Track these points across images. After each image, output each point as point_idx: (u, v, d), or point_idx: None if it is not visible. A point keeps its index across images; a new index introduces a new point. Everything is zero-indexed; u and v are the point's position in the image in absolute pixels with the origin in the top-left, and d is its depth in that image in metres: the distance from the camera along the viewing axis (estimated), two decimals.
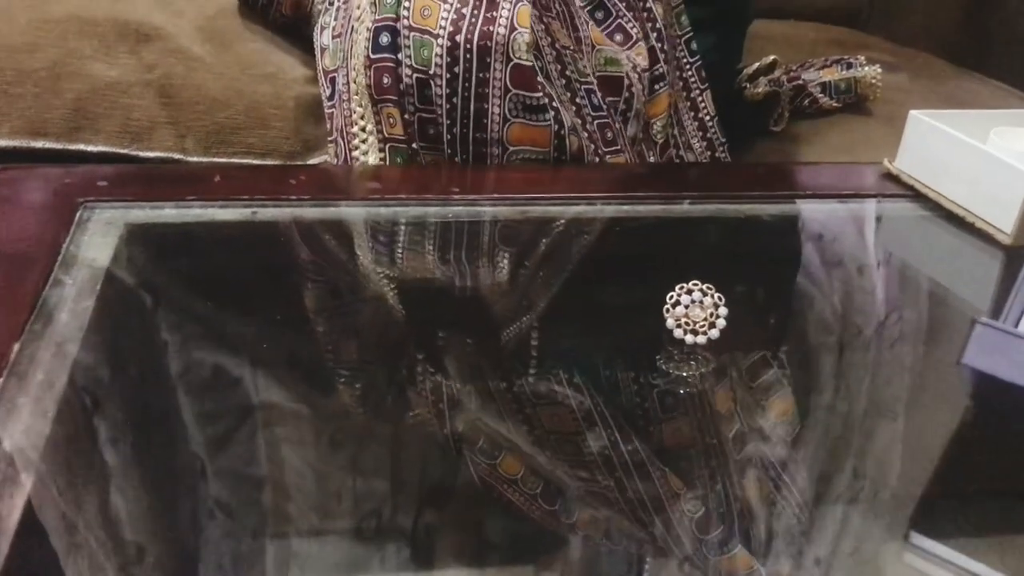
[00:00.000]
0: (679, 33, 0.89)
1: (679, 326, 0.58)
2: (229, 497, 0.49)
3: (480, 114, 0.73)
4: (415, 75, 0.72)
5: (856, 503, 0.52)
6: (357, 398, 0.55)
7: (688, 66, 0.89)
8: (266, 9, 0.98)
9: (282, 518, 0.48)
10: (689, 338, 0.58)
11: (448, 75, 0.72)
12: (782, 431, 0.56)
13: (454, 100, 0.73)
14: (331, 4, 0.83)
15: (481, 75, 0.72)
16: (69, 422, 0.49)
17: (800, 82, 1.06)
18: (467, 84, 0.73)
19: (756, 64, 1.04)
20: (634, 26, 0.83)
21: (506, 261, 0.68)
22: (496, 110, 0.73)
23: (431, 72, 0.71)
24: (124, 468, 0.49)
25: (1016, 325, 0.58)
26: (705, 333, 0.58)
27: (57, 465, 0.47)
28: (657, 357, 0.58)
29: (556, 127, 0.73)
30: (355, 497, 0.49)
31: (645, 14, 0.84)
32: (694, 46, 0.89)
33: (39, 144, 0.89)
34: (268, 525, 0.47)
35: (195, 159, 0.90)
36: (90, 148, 0.90)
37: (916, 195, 0.75)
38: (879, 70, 1.07)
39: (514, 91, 0.72)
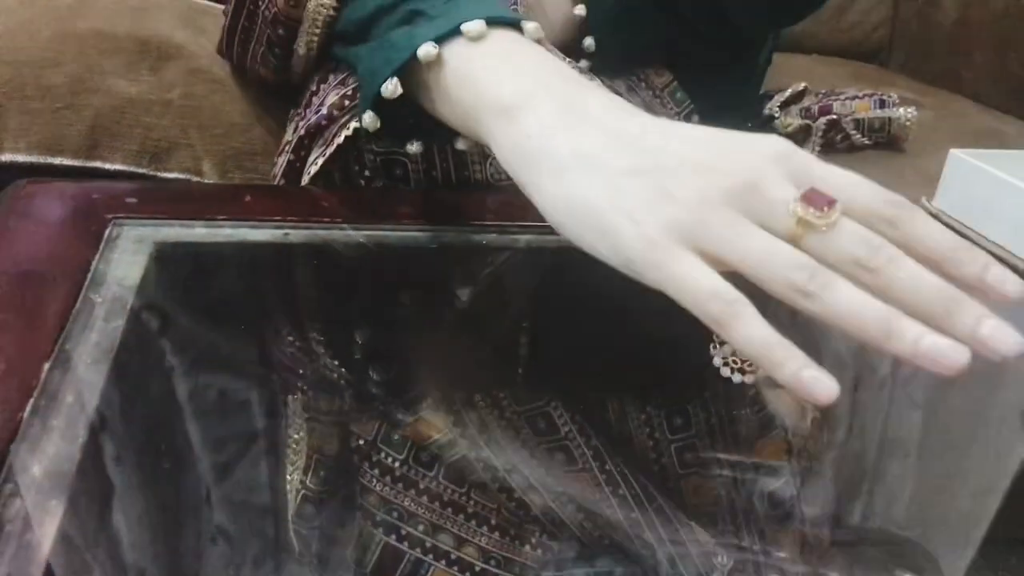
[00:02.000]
0: (677, 111, 0.87)
1: (726, 364, 0.56)
2: (242, 522, 0.47)
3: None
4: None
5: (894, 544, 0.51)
6: (383, 427, 0.53)
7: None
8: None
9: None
10: (736, 377, 0.56)
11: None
12: (821, 471, 0.55)
13: (433, 174, 0.72)
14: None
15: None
16: (101, 446, 0.48)
17: (834, 116, 1.05)
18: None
19: (788, 91, 1.04)
20: None
21: (545, 291, 0.67)
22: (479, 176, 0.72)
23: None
24: (156, 500, 0.47)
25: None
26: (753, 372, 0.56)
27: (89, 491, 0.45)
28: (704, 395, 0.56)
29: None
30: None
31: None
32: (695, 119, 0.87)
33: (56, 160, 0.88)
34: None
35: (211, 182, 0.89)
36: (107, 166, 0.89)
37: (956, 235, 0.74)
38: (914, 112, 1.07)
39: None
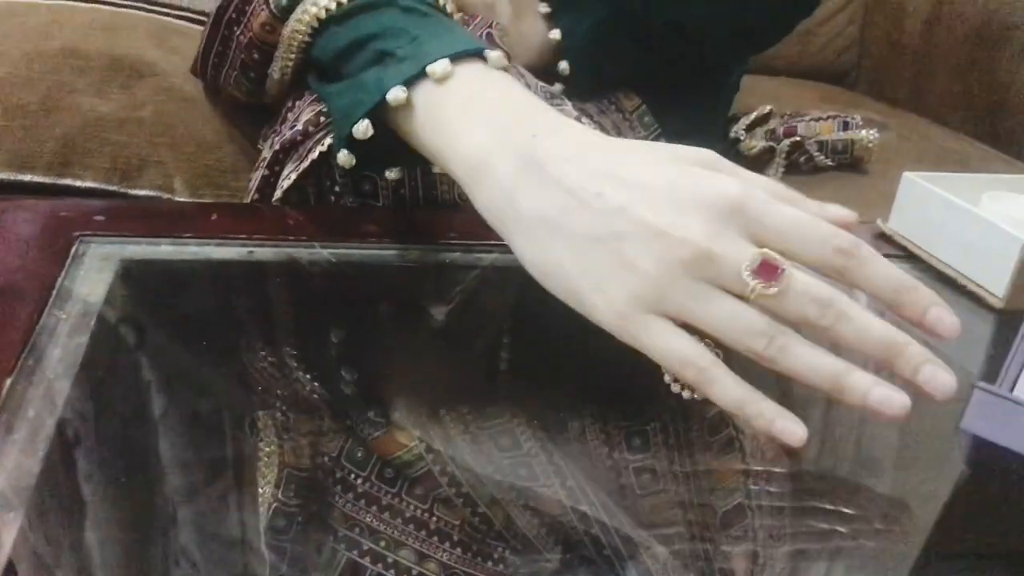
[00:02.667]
0: (645, 134, 0.89)
1: (676, 380, 0.57)
2: (208, 543, 0.48)
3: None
4: None
5: (849, 561, 0.52)
6: (348, 450, 0.54)
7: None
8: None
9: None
10: (686, 393, 0.57)
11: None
12: (777, 488, 0.55)
13: (402, 192, 0.73)
14: None
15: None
16: (61, 462, 0.48)
17: (798, 138, 1.07)
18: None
19: (754, 114, 1.05)
20: None
21: (500, 309, 0.68)
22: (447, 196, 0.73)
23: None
24: (116, 507, 0.48)
25: (1012, 390, 0.58)
26: None
27: (46, 505, 0.46)
28: (663, 416, 0.57)
29: None
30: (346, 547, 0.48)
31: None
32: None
33: (27, 178, 0.88)
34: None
35: (183, 200, 0.90)
36: (78, 184, 0.90)
37: (909, 256, 0.75)
38: (876, 134, 1.09)
39: None
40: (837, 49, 1.61)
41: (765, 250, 0.51)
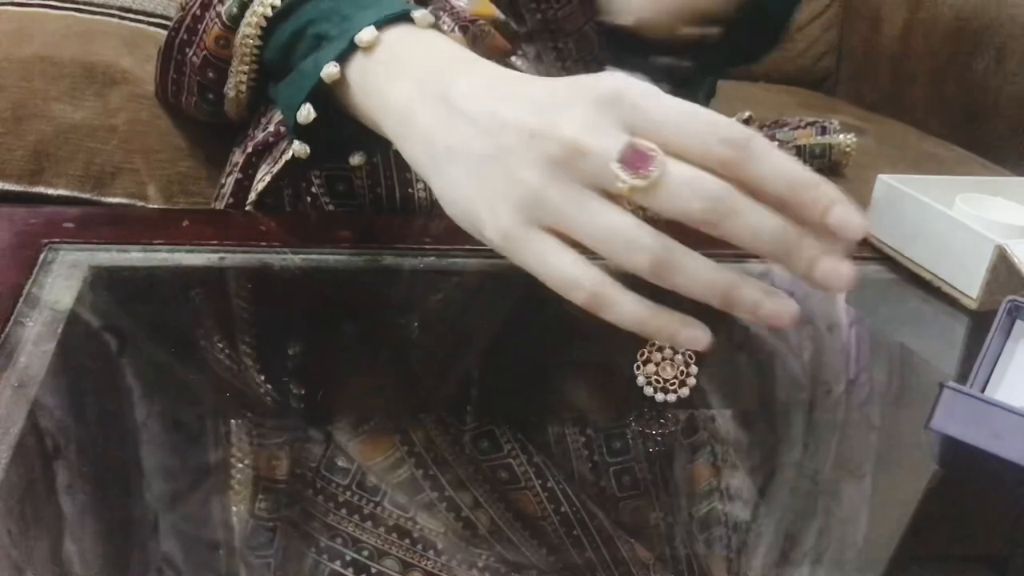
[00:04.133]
0: None
1: (649, 384, 0.57)
2: (184, 553, 0.47)
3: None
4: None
5: (821, 564, 0.51)
6: (327, 453, 0.53)
7: None
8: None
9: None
10: (660, 396, 0.57)
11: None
12: (751, 491, 0.55)
13: (378, 191, 0.73)
14: None
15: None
16: (26, 468, 0.48)
17: (775, 143, 1.06)
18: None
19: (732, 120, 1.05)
20: None
21: (476, 315, 0.68)
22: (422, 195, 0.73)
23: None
24: (82, 517, 0.47)
25: (982, 390, 0.58)
26: (676, 392, 0.57)
27: (11, 513, 0.45)
28: (626, 415, 0.57)
29: None
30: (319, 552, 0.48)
31: None
32: None
33: None
34: None
35: (152, 207, 0.89)
36: (51, 191, 0.89)
37: (884, 258, 0.75)
38: (853, 138, 1.09)
39: None
40: (815, 55, 1.62)
41: (635, 138, 0.46)
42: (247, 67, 0.73)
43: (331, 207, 0.73)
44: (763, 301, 0.47)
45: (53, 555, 0.45)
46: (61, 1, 1.00)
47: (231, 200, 0.74)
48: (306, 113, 0.62)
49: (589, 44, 0.84)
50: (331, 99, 0.62)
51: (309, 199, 0.72)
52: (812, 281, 0.47)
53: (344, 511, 0.49)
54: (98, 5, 1.01)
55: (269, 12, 0.68)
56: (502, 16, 0.81)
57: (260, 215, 0.70)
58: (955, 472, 0.57)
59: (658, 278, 0.47)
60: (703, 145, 0.46)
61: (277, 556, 0.47)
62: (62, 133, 0.89)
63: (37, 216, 0.67)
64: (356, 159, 0.68)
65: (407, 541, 0.48)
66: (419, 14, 0.61)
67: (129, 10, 1.03)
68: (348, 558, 0.47)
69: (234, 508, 0.49)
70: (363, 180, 0.71)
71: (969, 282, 0.70)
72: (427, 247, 0.69)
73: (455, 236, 0.69)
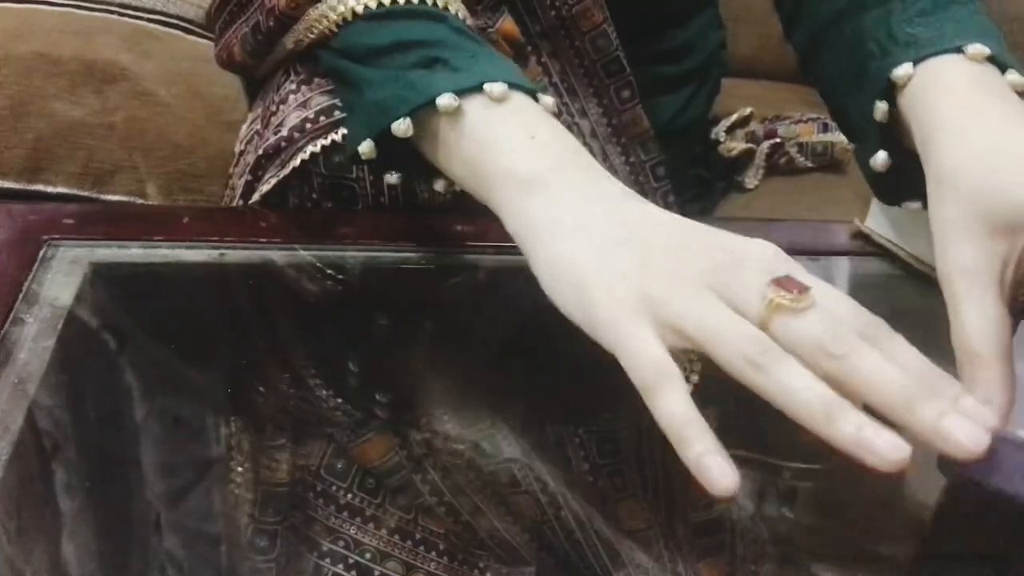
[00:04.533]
0: (644, 159, 0.89)
1: None
2: (184, 554, 0.47)
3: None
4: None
5: (823, 563, 0.51)
6: (327, 455, 0.53)
7: (656, 190, 0.89)
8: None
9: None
10: None
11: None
12: (753, 492, 0.55)
13: (381, 200, 0.72)
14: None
15: None
16: (25, 465, 0.47)
17: (777, 140, 1.06)
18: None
19: (734, 116, 1.05)
20: None
21: (476, 312, 0.68)
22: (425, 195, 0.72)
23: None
24: (81, 516, 0.47)
25: None
26: None
27: (10, 510, 0.45)
28: (628, 418, 0.57)
29: None
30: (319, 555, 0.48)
31: None
32: (661, 171, 0.89)
33: None
34: None
35: (151, 204, 0.90)
36: (50, 189, 0.89)
37: (887, 254, 0.75)
38: None
39: None
40: None
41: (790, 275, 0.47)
42: (313, 37, 0.71)
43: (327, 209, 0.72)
44: (867, 425, 0.44)
45: (51, 553, 0.45)
46: None
47: (241, 202, 0.74)
48: (405, 128, 0.60)
49: (607, 42, 0.84)
50: (424, 122, 0.60)
51: (310, 204, 0.71)
52: (937, 436, 0.45)
53: (346, 513, 0.49)
54: (97, 2, 1.01)
55: (361, 10, 0.65)
56: (522, 39, 0.80)
57: (261, 211, 0.69)
58: (957, 479, 0.56)
59: (762, 370, 0.46)
60: (849, 316, 0.47)
61: (280, 560, 0.46)
62: (61, 131, 0.89)
63: (37, 213, 0.67)
64: (394, 179, 0.67)
65: (409, 543, 0.47)
66: (548, 99, 0.61)
67: (128, 7, 1.03)
68: (351, 561, 0.47)
69: (235, 509, 0.49)
70: (366, 187, 0.71)
71: None
72: (431, 246, 0.69)
73: (457, 236, 0.70)
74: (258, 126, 0.79)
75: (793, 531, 0.53)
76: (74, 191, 0.89)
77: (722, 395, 0.60)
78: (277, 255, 0.67)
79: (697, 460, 0.45)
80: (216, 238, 0.66)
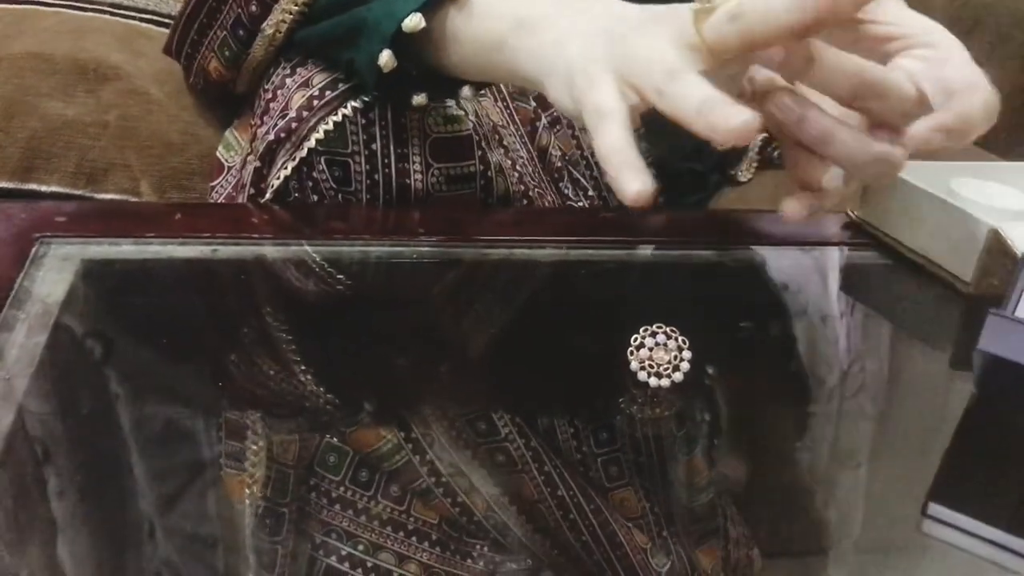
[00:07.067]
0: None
1: (643, 368, 0.57)
2: (180, 555, 0.47)
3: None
4: None
5: (816, 546, 0.52)
6: (319, 449, 0.53)
7: None
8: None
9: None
10: (653, 381, 0.57)
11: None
12: (747, 474, 0.55)
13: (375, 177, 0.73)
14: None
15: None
16: (16, 461, 0.47)
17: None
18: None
19: None
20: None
21: (467, 304, 0.68)
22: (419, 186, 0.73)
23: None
24: (71, 516, 0.47)
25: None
26: (669, 376, 0.57)
27: (2, 505, 0.45)
28: (620, 400, 0.57)
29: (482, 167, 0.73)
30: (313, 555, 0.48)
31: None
32: (648, 161, 0.89)
33: None
34: None
35: (143, 201, 0.89)
36: (43, 188, 0.89)
37: (879, 244, 0.75)
38: None
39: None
40: None
41: None
42: (297, 7, 0.73)
43: (332, 191, 0.73)
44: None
45: (44, 550, 0.45)
46: None
47: (252, 191, 0.74)
48: (415, 22, 0.64)
49: None
50: (427, 27, 0.64)
51: (311, 183, 0.71)
52: None
53: (338, 506, 0.49)
54: (89, 1, 1.01)
55: None
56: None
57: (252, 207, 0.70)
58: (994, 392, 0.57)
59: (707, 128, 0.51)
60: None
61: (286, 543, 0.47)
62: (54, 130, 0.89)
63: (29, 211, 0.67)
64: (419, 98, 0.69)
65: (401, 534, 0.48)
66: None
67: (120, 6, 1.03)
68: (344, 552, 0.47)
69: (229, 501, 0.49)
70: (361, 166, 0.71)
71: (963, 266, 0.70)
72: (422, 237, 0.69)
73: (451, 226, 0.70)
74: (255, 121, 0.79)
75: (785, 518, 0.53)
76: (68, 190, 0.89)
77: (717, 391, 0.61)
78: (269, 250, 0.67)
79: (617, 176, 0.52)
80: (208, 234, 0.66)
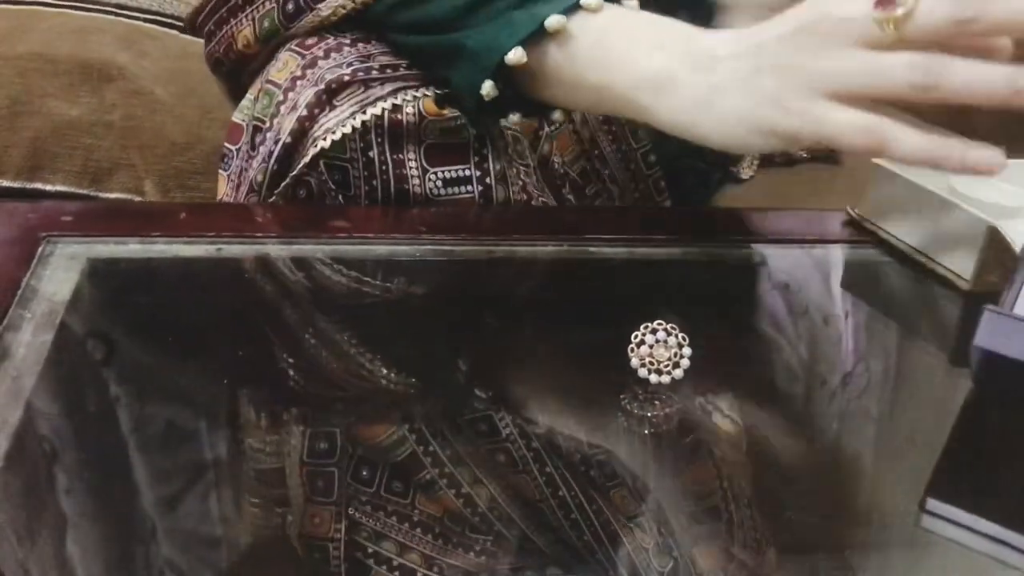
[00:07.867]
0: (635, 146, 0.89)
1: (643, 365, 0.57)
2: (184, 555, 0.47)
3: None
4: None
5: (815, 543, 0.52)
6: (323, 446, 0.54)
7: (647, 177, 0.89)
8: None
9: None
10: (653, 377, 0.57)
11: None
12: (749, 471, 0.56)
13: (373, 183, 0.73)
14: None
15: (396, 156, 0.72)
16: (24, 459, 0.48)
17: None
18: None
19: None
20: None
21: (472, 302, 0.68)
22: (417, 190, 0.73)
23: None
24: (78, 514, 0.47)
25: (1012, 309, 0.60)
26: (669, 373, 0.57)
27: (10, 503, 0.45)
28: (621, 397, 0.57)
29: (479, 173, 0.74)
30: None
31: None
32: (652, 158, 0.90)
33: None
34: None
35: (149, 201, 0.90)
36: (48, 188, 0.90)
37: (879, 242, 0.76)
38: None
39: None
40: None
41: None
42: (356, 4, 0.73)
43: (332, 192, 0.73)
44: None
45: (56, 547, 0.45)
46: None
47: (276, 167, 0.72)
48: (518, 56, 0.65)
49: None
50: (536, 52, 0.65)
51: (313, 181, 0.71)
52: None
53: (343, 499, 0.49)
54: (93, 2, 1.02)
55: None
56: None
57: (257, 206, 0.70)
58: (991, 388, 0.58)
59: (937, 87, 0.54)
60: None
61: (292, 529, 0.47)
62: (59, 130, 0.90)
63: (35, 211, 0.68)
64: (515, 118, 0.71)
65: (406, 525, 0.48)
66: (632, 2, 0.67)
67: (124, 7, 1.03)
68: (346, 539, 0.47)
69: (235, 499, 0.50)
70: (359, 171, 0.71)
71: (962, 264, 0.70)
72: (424, 236, 0.69)
73: (453, 225, 0.70)
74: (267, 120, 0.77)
75: (788, 518, 0.53)
76: (72, 189, 0.89)
77: (716, 390, 0.61)
78: (273, 249, 0.67)
79: (962, 166, 0.55)
80: (213, 233, 0.66)
